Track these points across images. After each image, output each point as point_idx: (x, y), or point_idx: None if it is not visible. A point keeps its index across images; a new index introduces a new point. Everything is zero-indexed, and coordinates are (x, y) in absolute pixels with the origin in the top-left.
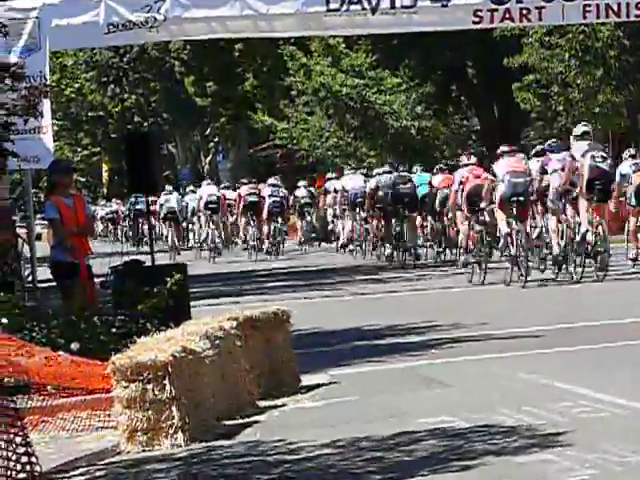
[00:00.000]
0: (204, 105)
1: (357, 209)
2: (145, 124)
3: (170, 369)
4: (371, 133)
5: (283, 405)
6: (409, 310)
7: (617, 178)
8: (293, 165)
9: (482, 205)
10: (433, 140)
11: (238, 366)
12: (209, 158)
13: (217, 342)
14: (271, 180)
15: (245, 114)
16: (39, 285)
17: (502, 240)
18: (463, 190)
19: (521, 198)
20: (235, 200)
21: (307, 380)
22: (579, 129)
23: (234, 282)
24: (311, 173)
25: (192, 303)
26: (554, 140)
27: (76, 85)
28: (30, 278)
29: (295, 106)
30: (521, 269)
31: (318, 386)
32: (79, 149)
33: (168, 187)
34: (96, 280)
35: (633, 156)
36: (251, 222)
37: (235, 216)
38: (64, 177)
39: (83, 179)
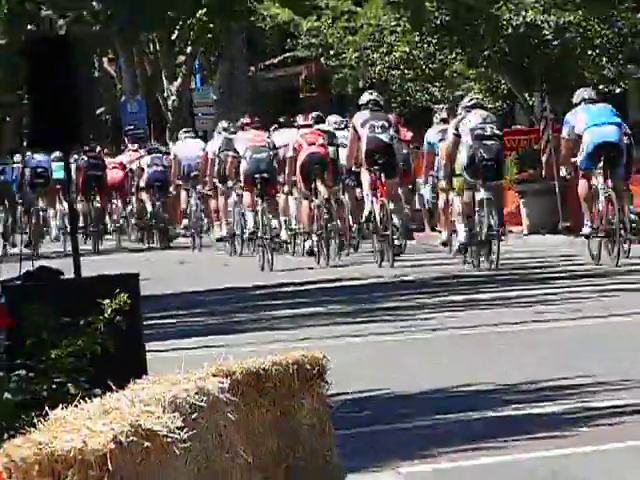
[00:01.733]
0: None
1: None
2: (60, 22)
3: (110, 465)
4: (471, 36)
5: None
6: (525, 354)
7: (425, 147)
8: (328, 95)
9: (229, 184)
10: (583, 49)
11: (232, 459)
12: (177, 83)
13: (195, 416)
14: (152, 144)
15: (242, 2)
16: None
17: (249, 221)
18: (296, 160)
19: (265, 175)
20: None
21: None
22: (364, 97)
23: (213, 306)
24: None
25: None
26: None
27: None
28: None
29: None
30: (267, 251)
31: None
32: None
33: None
34: None
35: (444, 120)
36: (92, 202)
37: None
38: None
39: None
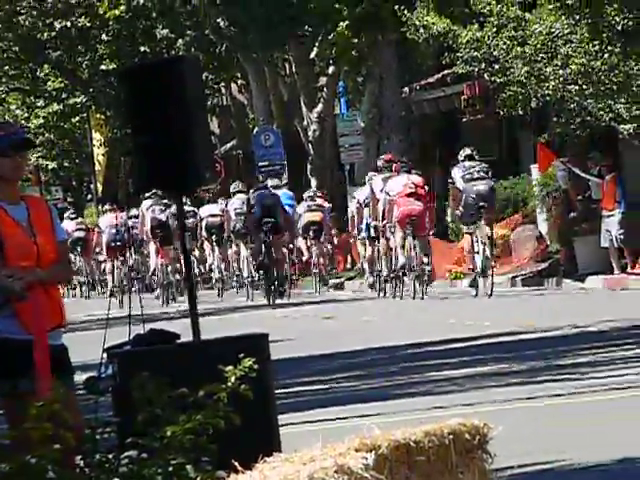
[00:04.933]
0: None
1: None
2: (179, 42)
3: None
4: None
5: None
6: None
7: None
8: (495, 117)
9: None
10: None
11: None
12: (318, 110)
13: None
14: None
15: (391, 11)
16: None
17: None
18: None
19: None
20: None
21: None
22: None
23: (357, 369)
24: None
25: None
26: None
27: None
28: None
29: None
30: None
31: None
32: (39, 103)
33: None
34: (76, 378)
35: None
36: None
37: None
38: (6, 159)
39: (50, 163)
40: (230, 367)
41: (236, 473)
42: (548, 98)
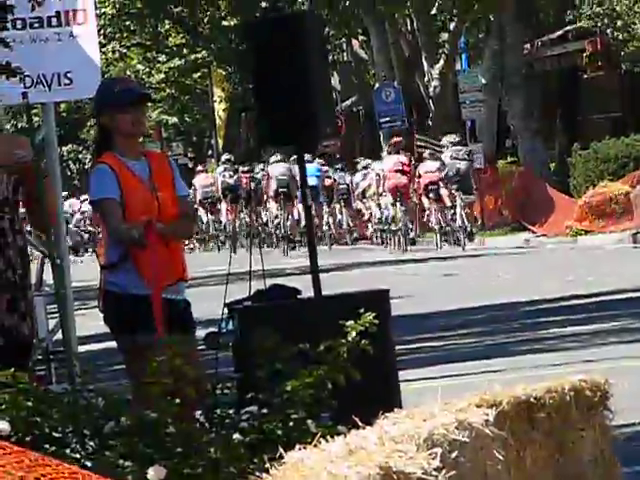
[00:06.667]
0: None
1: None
2: None
3: None
4: None
5: None
6: None
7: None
8: (617, 73)
9: None
10: None
11: None
12: (439, 66)
13: (456, 455)
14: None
15: None
16: (79, 349)
17: None
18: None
19: None
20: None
21: None
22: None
23: (479, 326)
24: None
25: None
26: None
27: None
28: (58, 333)
29: None
30: None
31: None
32: (161, 58)
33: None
34: (198, 333)
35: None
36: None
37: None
38: (126, 114)
39: (171, 119)
40: (351, 322)
41: (356, 428)
42: None
